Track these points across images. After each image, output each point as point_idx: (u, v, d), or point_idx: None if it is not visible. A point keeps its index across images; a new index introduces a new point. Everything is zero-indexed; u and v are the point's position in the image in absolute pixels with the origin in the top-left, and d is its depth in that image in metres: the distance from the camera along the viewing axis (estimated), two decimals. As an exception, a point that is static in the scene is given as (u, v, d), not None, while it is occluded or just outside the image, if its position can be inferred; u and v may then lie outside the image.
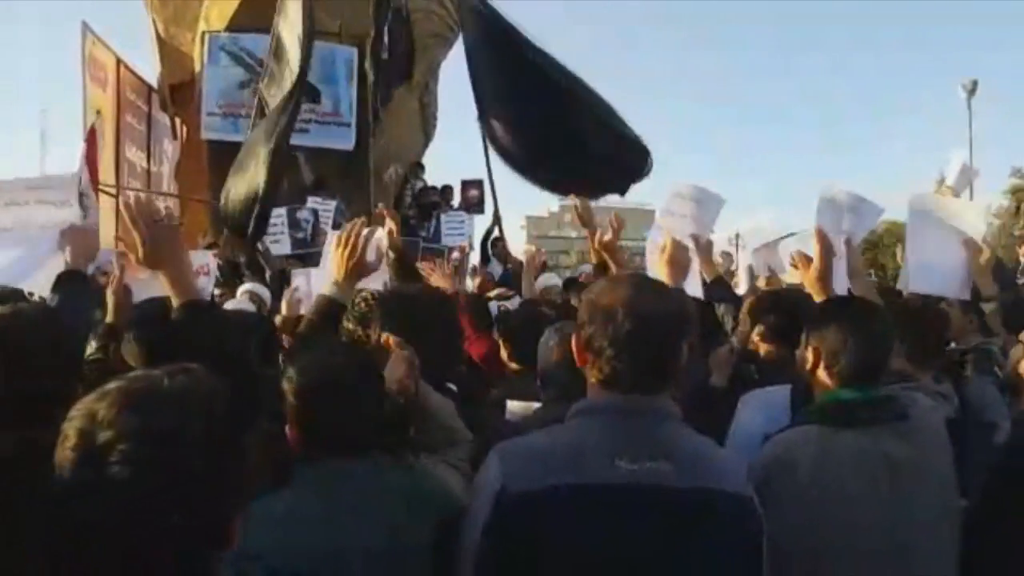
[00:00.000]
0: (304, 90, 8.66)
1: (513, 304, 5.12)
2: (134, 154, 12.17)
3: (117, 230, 6.01)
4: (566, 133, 8.16)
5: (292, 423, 1.81)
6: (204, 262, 5.32)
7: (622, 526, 1.54)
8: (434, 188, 12.61)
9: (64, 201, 3.42)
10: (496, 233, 10.68)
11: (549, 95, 8.16)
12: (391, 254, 3.62)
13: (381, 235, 3.43)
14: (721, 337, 3.35)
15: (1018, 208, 30.93)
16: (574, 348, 1.73)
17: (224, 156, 11.43)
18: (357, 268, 2.47)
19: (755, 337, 3.24)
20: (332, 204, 9.36)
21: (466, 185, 12.41)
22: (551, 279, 6.97)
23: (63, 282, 2.86)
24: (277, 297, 5.80)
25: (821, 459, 1.98)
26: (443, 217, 11.59)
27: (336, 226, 9.32)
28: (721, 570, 1.59)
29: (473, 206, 12.21)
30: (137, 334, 2.66)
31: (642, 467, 1.56)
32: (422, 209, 12.06)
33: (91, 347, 2.84)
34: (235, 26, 11.60)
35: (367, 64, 11.28)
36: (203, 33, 11.65)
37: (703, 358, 3.24)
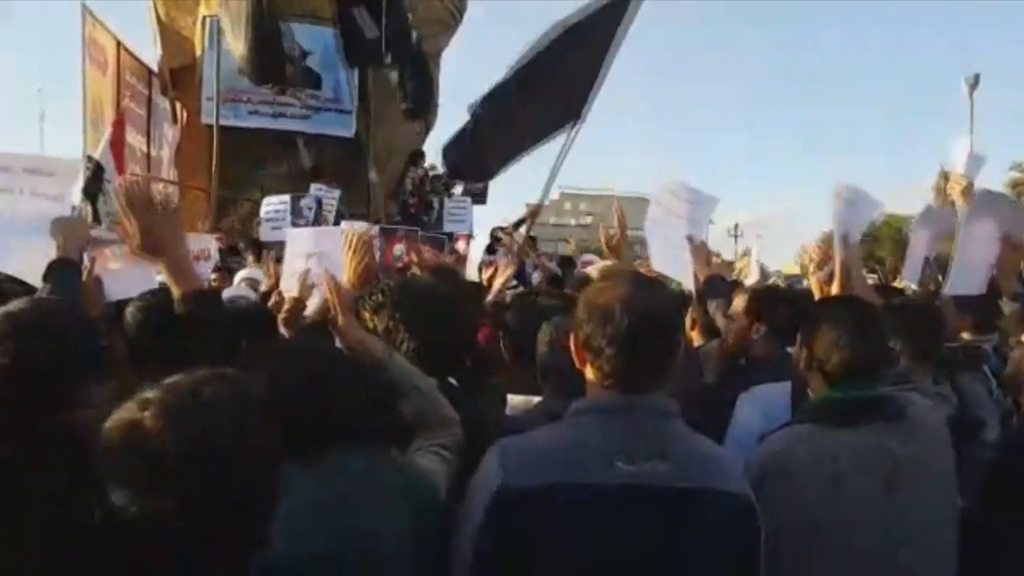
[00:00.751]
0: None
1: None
2: (134, 138, 12.12)
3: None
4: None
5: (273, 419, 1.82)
6: (205, 246, 5.28)
7: (620, 526, 1.54)
8: (437, 176, 12.61)
9: (59, 195, 3.38)
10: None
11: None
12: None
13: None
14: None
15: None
16: (572, 347, 1.73)
17: (224, 140, 11.45)
18: (365, 274, 2.48)
19: (752, 334, 3.25)
20: (336, 193, 9.36)
21: None
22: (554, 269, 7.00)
23: (54, 270, 2.87)
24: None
25: (817, 458, 1.98)
26: (447, 203, 11.59)
27: (338, 215, 9.36)
28: (719, 570, 1.60)
29: (475, 196, 12.23)
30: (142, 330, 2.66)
31: (640, 467, 1.56)
32: (423, 197, 12.06)
33: None
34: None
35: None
36: (204, 17, 11.61)
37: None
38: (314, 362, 1.85)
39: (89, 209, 7.40)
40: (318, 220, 8.58)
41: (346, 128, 11.43)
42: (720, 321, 3.40)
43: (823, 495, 1.95)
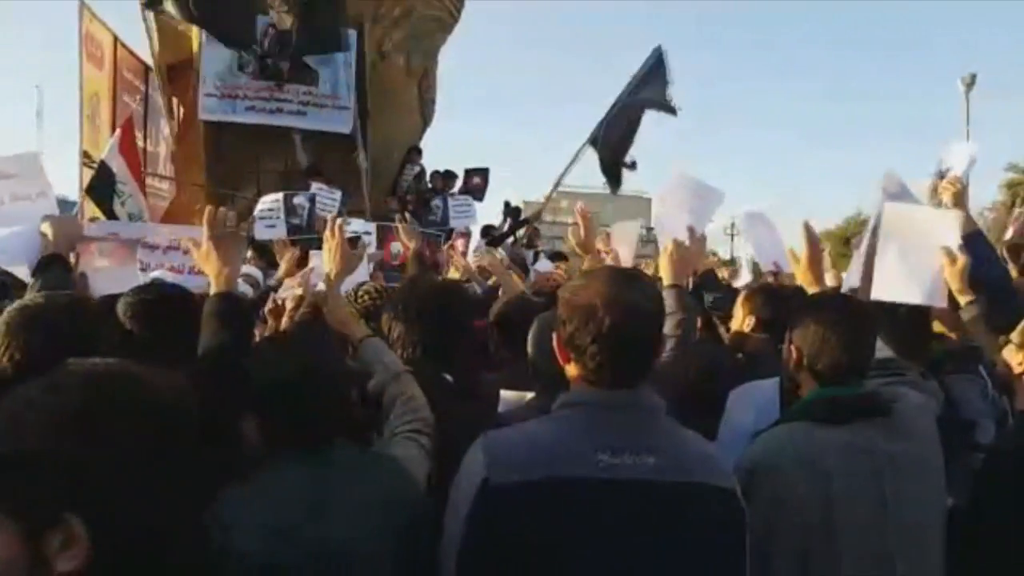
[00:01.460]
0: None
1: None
2: (131, 134, 12.10)
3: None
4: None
5: (258, 415, 1.84)
6: (197, 235, 5.29)
7: (604, 520, 1.55)
8: (437, 173, 12.59)
9: (40, 192, 3.39)
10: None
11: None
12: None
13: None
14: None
15: (1013, 202, 30.94)
16: (555, 346, 1.75)
17: (220, 137, 11.42)
18: (345, 260, 2.54)
19: (746, 328, 3.29)
20: (338, 195, 9.36)
21: (470, 173, 12.42)
22: (546, 265, 7.01)
23: (45, 267, 2.89)
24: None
25: (807, 457, 1.98)
26: (450, 201, 11.59)
27: (339, 216, 9.34)
28: (703, 563, 1.60)
29: (475, 193, 12.22)
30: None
31: (624, 461, 1.58)
32: (419, 195, 12.05)
33: None
34: (233, 7, 11.51)
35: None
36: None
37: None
38: (291, 360, 1.86)
39: (91, 207, 7.38)
40: (311, 218, 8.57)
41: (344, 124, 11.39)
42: (715, 314, 3.44)
43: (813, 494, 1.95)
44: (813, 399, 2.11)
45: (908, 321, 2.76)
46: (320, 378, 1.82)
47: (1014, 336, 2.46)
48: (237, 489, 1.71)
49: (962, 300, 2.86)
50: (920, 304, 2.91)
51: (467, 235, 10.53)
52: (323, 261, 2.66)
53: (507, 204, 13.12)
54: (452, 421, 2.08)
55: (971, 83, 24.13)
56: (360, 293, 3.22)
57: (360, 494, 1.76)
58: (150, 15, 10.85)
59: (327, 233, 2.60)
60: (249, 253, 8.15)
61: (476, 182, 12.32)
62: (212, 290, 2.20)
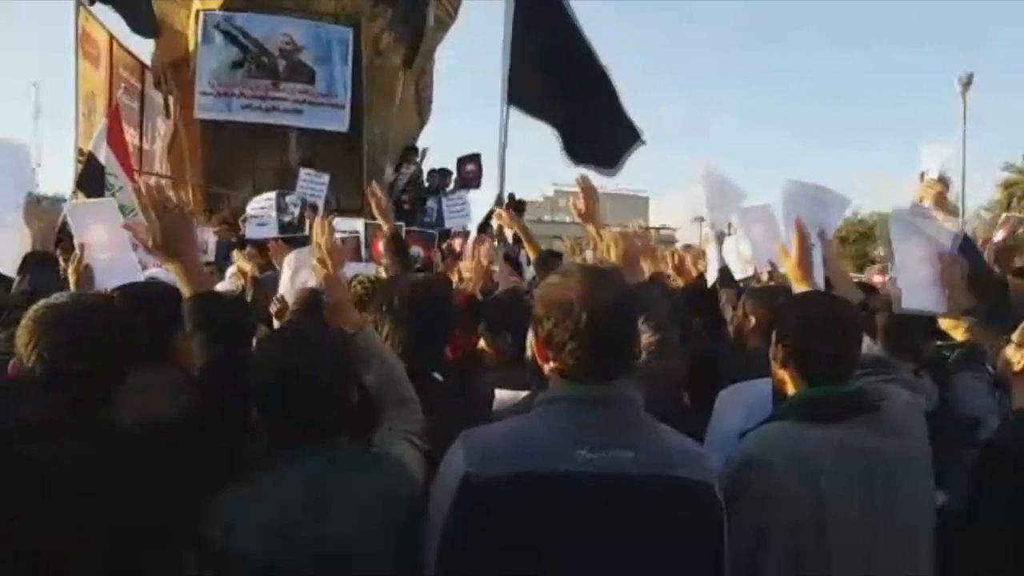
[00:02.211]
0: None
1: None
2: (126, 132, 12.08)
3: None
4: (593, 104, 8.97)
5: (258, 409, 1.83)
6: (202, 239, 5.27)
7: (584, 514, 1.56)
8: (433, 171, 12.59)
9: (20, 168, 3.33)
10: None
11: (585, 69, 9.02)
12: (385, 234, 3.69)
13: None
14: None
15: (1010, 202, 31.07)
16: (532, 344, 1.76)
17: (216, 135, 11.41)
18: (335, 255, 2.47)
19: (746, 329, 3.29)
20: (325, 178, 9.36)
21: (462, 161, 12.39)
22: (545, 266, 6.98)
23: (31, 264, 2.87)
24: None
25: (796, 457, 1.96)
26: (444, 201, 11.57)
27: (326, 202, 9.36)
28: (680, 557, 1.61)
29: (470, 181, 12.21)
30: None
31: (603, 455, 1.58)
32: (417, 194, 12.05)
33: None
34: (230, 5, 11.52)
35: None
36: (197, 11, 11.56)
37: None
38: (287, 355, 1.85)
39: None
40: (303, 216, 8.56)
41: (339, 123, 11.39)
42: (727, 312, 3.44)
43: (806, 493, 1.94)
44: (801, 397, 2.10)
45: (899, 319, 2.75)
46: (320, 374, 1.81)
47: (1015, 335, 2.46)
48: (238, 489, 1.71)
49: (961, 306, 2.87)
50: (930, 312, 2.92)
51: (465, 235, 10.54)
52: (311, 259, 2.61)
53: (511, 197, 13.08)
54: (442, 420, 2.06)
55: (968, 82, 24.16)
56: (353, 284, 3.21)
57: (360, 493, 1.75)
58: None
59: (315, 231, 2.49)
60: (247, 250, 8.16)
61: (470, 169, 12.29)
62: (185, 292, 2.00)
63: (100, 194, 5.75)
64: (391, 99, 12.11)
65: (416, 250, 7.94)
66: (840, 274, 2.99)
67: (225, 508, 1.68)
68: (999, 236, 4.85)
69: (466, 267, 5.28)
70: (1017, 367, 2.45)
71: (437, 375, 2.30)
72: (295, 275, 4.68)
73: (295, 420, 1.78)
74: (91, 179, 6.20)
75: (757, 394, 2.39)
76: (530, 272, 6.44)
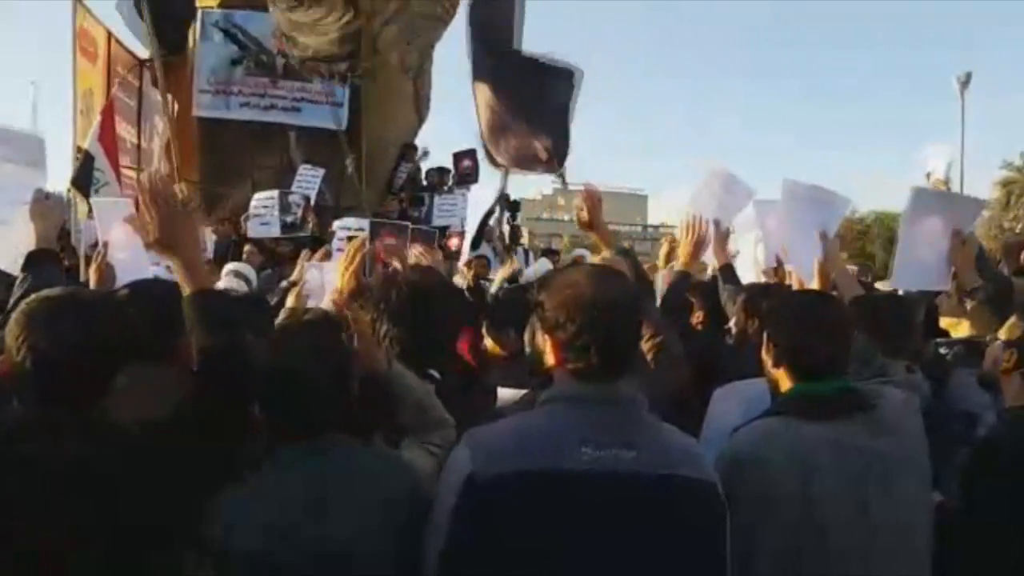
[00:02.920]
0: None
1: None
2: (124, 129, 12.05)
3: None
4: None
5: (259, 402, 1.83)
6: (201, 237, 5.27)
7: (589, 512, 1.57)
8: (432, 169, 12.57)
9: (33, 161, 3.30)
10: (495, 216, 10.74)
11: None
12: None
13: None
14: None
15: (1008, 201, 31.08)
16: (539, 343, 1.77)
17: (214, 133, 11.39)
18: (356, 288, 2.46)
19: (749, 329, 3.30)
20: (320, 171, 9.38)
21: (458, 156, 12.35)
22: (546, 264, 7.01)
23: (35, 262, 2.86)
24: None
25: (788, 453, 1.97)
26: (436, 199, 11.55)
27: (319, 195, 9.39)
28: (684, 555, 1.62)
29: (466, 176, 12.18)
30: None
31: (607, 454, 1.59)
32: (413, 193, 12.03)
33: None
34: (228, 3, 11.50)
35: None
36: (196, 9, 11.54)
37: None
38: (289, 355, 1.84)
39: (77, 199, 7.35)
40: (306, 216, 8.58)
41: (337, 121, 11.37)
42: (730, 309, 3.44)
43: (794, 491, 1.94)
44: (794, 395, 2.11)
45: (891, 316, 2.75)
46: (322, 374, 1.81)
47: (1001, 333, 2.47)
48: (238, 489, 1.71)
49: (968, 285, 2.87)
50: (932, 290, 2.93)
51: (461, 234, 10.53)
52: (335, 276, 2.61)
53: (506, 197, 13.05)
54: (453, 426, 2.07)
55: (966, 82, 24.19)
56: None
57: (360, 493, 1.75)
58: (146, 11, 10.82)
59: (346, 251, 2.50)
60: (247, 248, 8.17)
61: (466, 165, 12.25)
62: (185, 289, 1.95)
63: (87, 188, 5.74)
64: (389, 98, 12.08)
65: (388, 242, 7.96)
66: (842, 272, 2.99)
67: (225, 508, 1.68)
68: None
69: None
70: (1005, 365, 2.45)
71: (435, 373, 2.29)
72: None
73: (296, 419, 1.78)
74: (85, 176, 6.21)
75: (753, 392, 2.40)
76: (529, 272, 6.46)
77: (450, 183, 12.42)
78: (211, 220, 9.24)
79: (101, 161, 6.14)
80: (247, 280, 5.76)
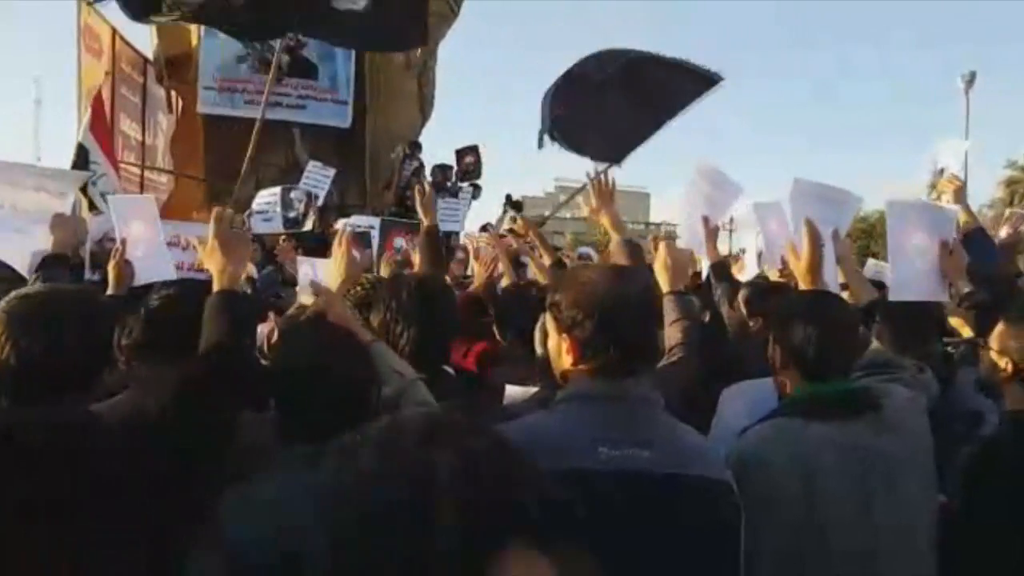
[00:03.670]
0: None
1: None
2: (128, 126, 12.08)
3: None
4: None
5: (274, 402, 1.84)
6: (203, 233, 5.29)
7: (604, 511, 1.54)
8: (436, 167, 12.56)
9: (62, 192, 3.46)
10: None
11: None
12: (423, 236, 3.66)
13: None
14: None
15: (1012, 200, 31.01)
16: (553, 344, 1.76)
17: (219, 130, 11.40)
18: (350, 271, 2.51)
19: (752, 327, 3.29)
20: (331, 172, 9.37)
21: (461, 153, 12.35)
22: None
23: (48, 265, 2.95)
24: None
25: (793, 454, 1.97)
26: (440, 202, 11.55)
27: (328, 195, 9.35)
28: (698, 555, 1.62)
29: (469, 173, 12.17)
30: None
31: (624, 453, 1.60)
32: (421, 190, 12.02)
33: None
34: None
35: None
36: (201, 6, 11.53)
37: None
38: (317, 352, 1.85)
39: (82, 198, 7.37)
40: (307, 211, 8.56)
41: (342, 118, 11.38)
42: (724, 307, 3.43)
43: (797, 492, 1.94)
44: (801, 395, 2.10)
45: (903, 316, 2.75)
46: (350, 372, 1.82)
47: (992, 342, 2.45)
48: (243, 490, 1.70)
49: (963, 290, 2.87)
50: (929, 300, 2.93)
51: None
52: (326, 270, 2.64)
53: (508, 197, 13.08)
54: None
55: (971, 80, 24.12)
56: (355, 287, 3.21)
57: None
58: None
59: (335, 243, 2.55)
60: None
61: (469, 161, 12.25)
62: (215, 287, 2.15)
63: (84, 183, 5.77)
64: (393, 96, 12.09)
65: (399, 242, 7.95)
66: (854, 273, 2.99)
67: (237, 504, 1.68)
68: (1003, 233, 4.86)
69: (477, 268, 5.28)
70: (1002, 373, 2.44)
71: (449, 369, 2.30)
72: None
73: (318, 415, 1.78)
74: (82, 168, 6.21)
75: (760, 392, 2.40)
76: (530, 273, 6.46)
77: (453, 179, 12.42)
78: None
79: (96, 153, 6.14)
80: (250, 277, 5.78)
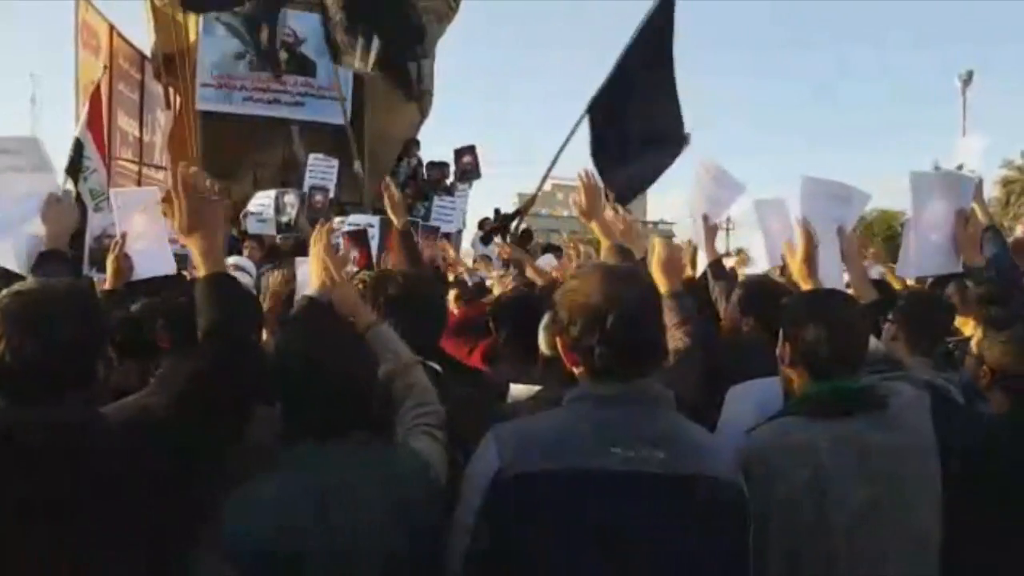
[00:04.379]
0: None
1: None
2: (126, 123, 12.06)
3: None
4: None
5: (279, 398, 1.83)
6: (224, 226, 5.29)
7: (615, 511, 1.56)
8: (432, 164, 12.55)
9: (37, 165, 3.28)
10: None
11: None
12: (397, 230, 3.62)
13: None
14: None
15: (1008, 200, 31.11)
16: (559, 348, 1.75)
17: (216, 127, 11.37)
18: (328, 270, 2.42)
19: (743, 326, 3.26)
20: (335, 162, 9.36)
21: (459, 153, 12.33)
22: (550, 261, 7.00)
23: (44, 262, 2.89)
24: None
25: (799, 453, 1.97)
26: (436, 200, 11.54)
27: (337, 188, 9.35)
28: (710, 555, 1.62)
29: (468, 172, 12.15)
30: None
31: (637, 454, 1.59)
32: (418, 188, 12.00)
33: None
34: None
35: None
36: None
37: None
38: (315, 346, 1.84)
39: (73, 189, 7.34)
40: (299, 216, 8.59)
41: (340, 116, 11.36)
42: (721, 305, 3.42)
43: (802, 491, 1.94)
44: (809, 393, 2.10)
45: (921, 311, 2.74)
46: (348, 368, 1.81)
47: (972, 347, 2.45)
48: (250, 485, 1.70)
49: (972, 262, 2.88)
50: (942, 273, 2.93)
51: (450, 236, 10.47)
52: (308, 270, 2.60)
53: (497, 212, 12.99)
54: (452, 408, 2.06)
55: (968, 80, 24.19)
56: (355, 282, 3.20)
57: (377, 489, 1.73)
58: (147, 3, 10.80)
59: (313, 238, 2.47)
60: (247, 243, 8.17)
61: (467, 161, 12.23)
62: (200, 271, 2.00)
63: (77, 176, 5.73)
64: (392, 93, 12.06)
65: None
66: (858, 271, 2.99)
67: (239, 504, 1.67)
68: (1019, 231, 4.90)
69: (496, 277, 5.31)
70: (983, 381, 2.44)
71: (435, 365, 2.29)
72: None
73: (318, 413, 1.77)
74: (77, 162, 6.18)
75: (767, 392, 2.39)
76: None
77: (451, 178, 12.41)
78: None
79: (89, 148, 6.13)
80: (248, 273, 5.79)
